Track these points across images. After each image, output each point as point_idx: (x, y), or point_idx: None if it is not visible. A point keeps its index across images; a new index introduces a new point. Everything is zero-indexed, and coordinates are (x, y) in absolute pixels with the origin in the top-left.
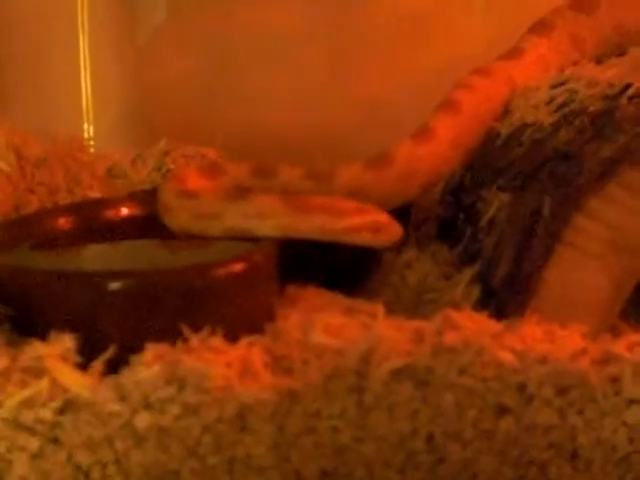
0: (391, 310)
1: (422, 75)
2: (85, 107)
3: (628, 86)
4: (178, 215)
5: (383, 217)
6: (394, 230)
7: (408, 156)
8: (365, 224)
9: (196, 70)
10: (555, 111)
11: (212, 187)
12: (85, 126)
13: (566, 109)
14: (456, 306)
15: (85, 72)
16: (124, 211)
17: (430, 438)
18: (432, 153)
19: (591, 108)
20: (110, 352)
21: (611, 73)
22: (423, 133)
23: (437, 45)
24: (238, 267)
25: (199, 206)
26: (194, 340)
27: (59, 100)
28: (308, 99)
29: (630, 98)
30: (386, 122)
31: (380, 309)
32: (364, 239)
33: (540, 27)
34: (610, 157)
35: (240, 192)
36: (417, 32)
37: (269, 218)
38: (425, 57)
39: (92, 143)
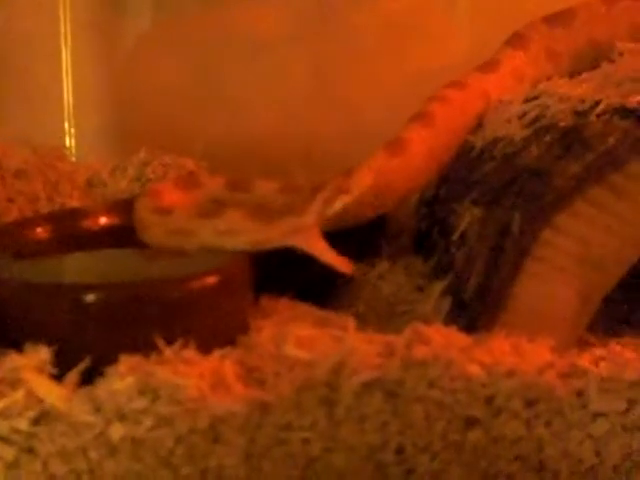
0: (364, 321)
1: (404, 84)
2: (67, 115)
3: (598, 103)
4: (153, 231)
5: (340, 178)
6: (360, 178)
7: (381, 169)
8: (330, 196)
9: (179, 78)
10: (527, 126)
11: (187, 201)
12: (66, 134)
13: (538, 124)
14: (428, 318)
15: (67, 81)
16: (103, 220)
17: (400, 450)
18: (405, 165)
19: (561, 124)
20: (85, 363)
21: (583, 89)
22: (396, 145)
23: (419, 55)
24: (212, 280)
25: (173, 222)
26: (168, 352)
27: (41, 109)
28: (289, 108)
29: (599, 115)
30: (367, 131)
31: (351, 322)
32: (342, 203)
33: (516, 40)
34: (578, 174)
35: (212, 208)
36: (399, 41)
37: (240, 234)
38: (407, 67)
39: (73, 152)
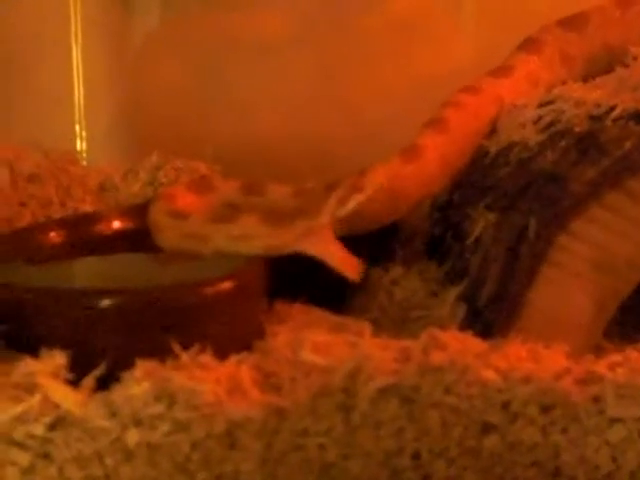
0: (378, 326)
1: (411, 87)
2: (78, 118)
3: (613, 107)
4: (167, 234)
5: (353, 178)
6: (374, 177)
7: (396, 175)
8: (345, 194)
9: (190, 80)
10: (542, 130)
11: (201, 205)
12: (77, 137)
13: (553, 129)
14: (443, 324)
15: (78, 84)
16: (116, 225)
17: (416, 455)
18: (420, 172)
19: (577, 129)
20: (101, 369)
21: (598, 93)
22: (411, 151)
23: (426, 58)
24: (228, 285)
25: (187, 226)
26: (184, 357)
27: (51, 111)
28: (297, 110)
29: (615, 120)
30: (375, 133)
31: (367, 328)
32: (356, 202)
33: (530, 44)
34: (594, 179)
35: (227, 213)
36: (406, 44)
37: (254, 239)
38: (414, 69)
39: (84, 155)
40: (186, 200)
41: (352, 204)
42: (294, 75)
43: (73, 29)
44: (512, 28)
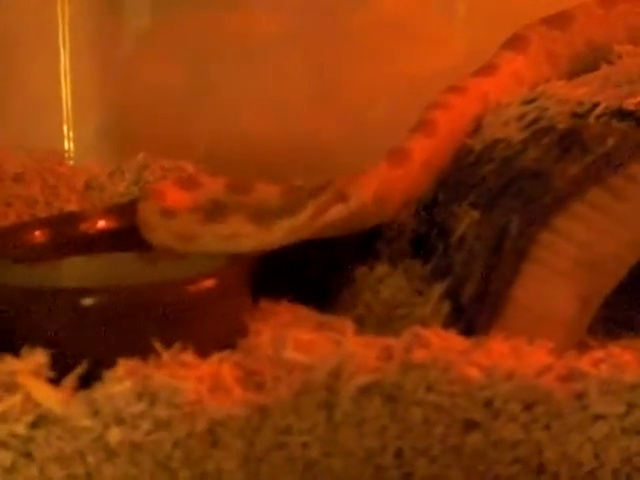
0: (363, 325)
1: (402, 86)
2: (66, 118)
3: (596, 104)
4: (159, 233)
5: (340, 185)
6: (360, 188)
7: (384, 179)
8: (328, 200)
9: (178, 80)
10: (525, 128)
11: (190, 203)
12: (65, 138)
13: (536, 126)
14: (427, 322)
15: (65, 85)
16: (101, 224)
17: (398, 453)
18: (407, 176)
19: (560, 126)
20: (83, 367)
21: (582, 91)
22: (399, 155)
23: (418, 56)
24: (211, 283)
25: (177, 226)
26: (166, 356)
27: (39, 112)
28: (290, 110)
29: (597, 117)
30: (365, 132)
31: (350, 326)
32: (340, 213)
33: (515, 42)
34: (577, 176)
35: (215, 213)
36: (397, 43)
37: (242, 238)
38: (405, 68)
39: (72, 155)
40: (175, 197)
41: (334, 215)
42: (284, 75)
43: (60, 29)
44: (504, 27)
